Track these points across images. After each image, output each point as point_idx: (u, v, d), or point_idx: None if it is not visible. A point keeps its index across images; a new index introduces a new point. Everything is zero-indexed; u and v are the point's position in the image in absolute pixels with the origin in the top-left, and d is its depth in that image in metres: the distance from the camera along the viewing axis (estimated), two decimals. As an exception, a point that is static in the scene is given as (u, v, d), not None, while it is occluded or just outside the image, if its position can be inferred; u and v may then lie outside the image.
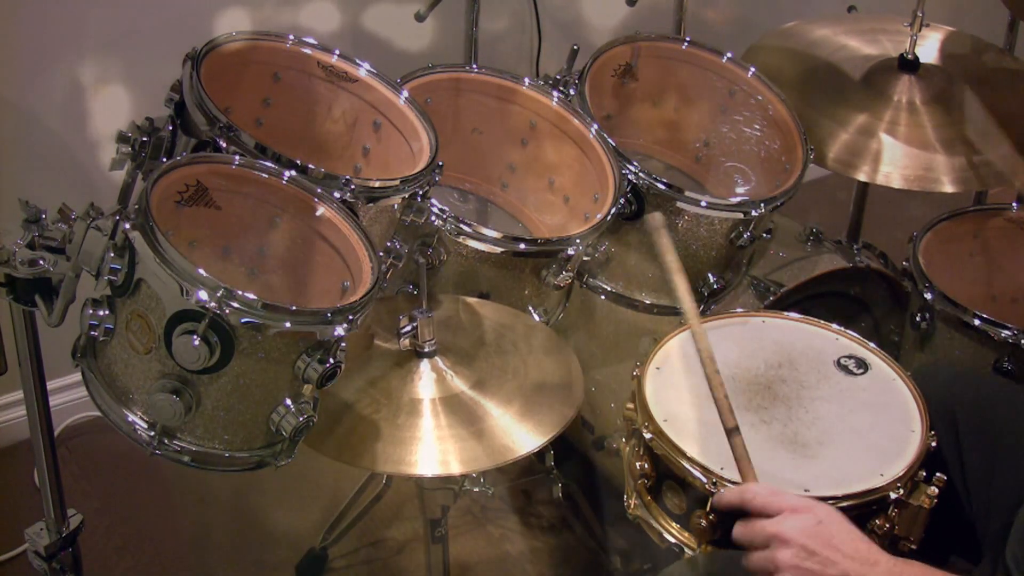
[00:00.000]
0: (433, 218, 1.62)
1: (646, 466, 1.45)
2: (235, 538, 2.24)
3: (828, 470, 1.38)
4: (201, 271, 1.21)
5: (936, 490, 1.38)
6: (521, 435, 1.47)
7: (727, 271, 1.90)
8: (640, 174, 1.78)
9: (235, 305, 1.22)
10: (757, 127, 2.04)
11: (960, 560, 1.49)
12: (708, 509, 1.34)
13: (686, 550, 1.40)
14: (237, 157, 1.41)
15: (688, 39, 2.07)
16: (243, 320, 1.22)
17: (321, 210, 1.44)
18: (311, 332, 1.28)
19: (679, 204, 1.79)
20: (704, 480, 1.35)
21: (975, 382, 1.65)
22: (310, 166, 1.44)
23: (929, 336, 1.83)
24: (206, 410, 1.30)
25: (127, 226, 1.23)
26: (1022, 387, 1.70)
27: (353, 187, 1.46)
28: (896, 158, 2.05)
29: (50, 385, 1.44)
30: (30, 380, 1.41)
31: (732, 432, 1.31)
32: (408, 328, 1.54)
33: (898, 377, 1.54)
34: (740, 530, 1.23)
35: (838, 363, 1.56)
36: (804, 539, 1.17)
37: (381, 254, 1.44)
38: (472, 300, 1.69)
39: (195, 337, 1.21)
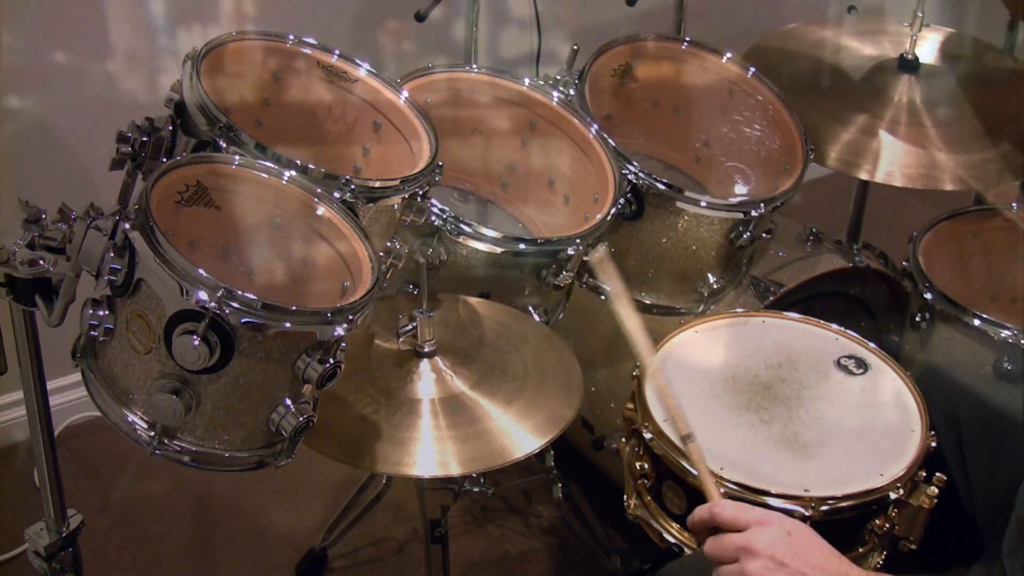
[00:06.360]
0: (433, 218, 1.62)
1: (646, 466, 1.45)
2: (235, 538, 2.24)
3: (828, 470, 1.38)
4: (201, 271, 1.21)
5: (936, 490, 1.38)
6: (521, 436, 1.47)
7: (727, 271, 1.90)
8: (640, 174, 1.78)
9: (235, 305, 1.22)
10: (757, 127, 2.04)
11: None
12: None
13: (686, 550, 1.40)
14: (237, 157, 1.40)
15: (688, 39, 2.07)
16: (243, 320, 1.22)
17: (321, 210, 1.43)
18: (311, 332, 1.27)
19: (679, 204, 1.79)
20: (704, 480, 1.36)
21: (977, 385, 1.65)
22: (310, 166, 1.44)
23: (929, 336, 1.83)
24: (206, 410, 1.30)
25: (127, 226, 1.23)
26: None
27: (353, 187, 1.45)
28: (897, 157, 2.05)
29: (50, 385, 1.44)
30: (30, 380, 1.41)
31: (687, 439, 1.34)
32: (408, 328, 1.54)
33: (898, 377, 1.54)
34: (711, 545, 1.22)
35: (838, 363, 1.56)
36: (773, 551, 1.17)
37: (381, 254, 1.43)
38: (472, 300, 1.69)
39: (195, 337, 1.21)
